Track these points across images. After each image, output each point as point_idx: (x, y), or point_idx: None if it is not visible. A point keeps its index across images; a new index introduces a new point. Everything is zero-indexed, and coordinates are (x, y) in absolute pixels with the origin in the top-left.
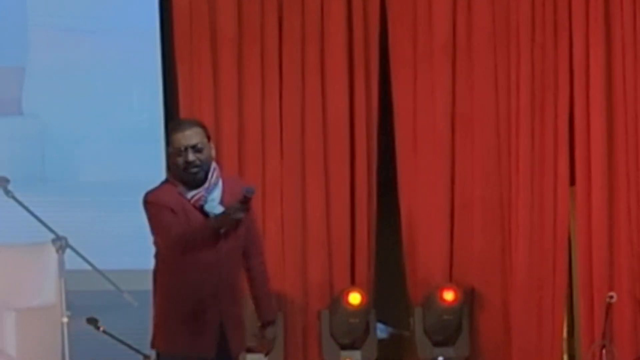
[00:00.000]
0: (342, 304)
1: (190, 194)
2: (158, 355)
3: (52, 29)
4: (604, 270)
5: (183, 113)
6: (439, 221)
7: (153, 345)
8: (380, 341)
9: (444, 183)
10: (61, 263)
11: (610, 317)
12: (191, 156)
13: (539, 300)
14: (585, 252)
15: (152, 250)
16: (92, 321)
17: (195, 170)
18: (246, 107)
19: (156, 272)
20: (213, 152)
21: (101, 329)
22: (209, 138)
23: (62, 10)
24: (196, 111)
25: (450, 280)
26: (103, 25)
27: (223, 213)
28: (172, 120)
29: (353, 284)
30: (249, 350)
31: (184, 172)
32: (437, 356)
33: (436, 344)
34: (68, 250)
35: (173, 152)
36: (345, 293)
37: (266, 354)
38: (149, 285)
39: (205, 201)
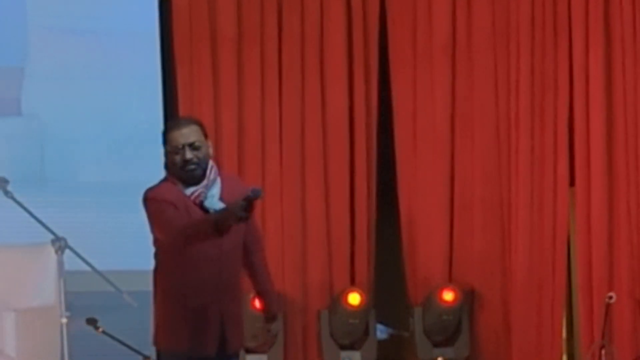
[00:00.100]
0: (341, 304)
1: (189, 191)
2: (158, 354)
3: (51, 29)
4: (603, 271)
5: (183, 113)
6: (438, 221)
7: (155, 344)
8: (380, 341)
9: (444, 183)
10: (60, 263)
11: (609, 318)
12: (189, 154)
13: (539, 300)
14: (585, 253)
15: (152, 250)
16: (92, 322)
17: (192, 167)
18: (246, 107)
19: (156, 271)
20: (210, 150)
21: (100, 329)
22: (206, 136)
23: (61, 10)
24: (196, 111)
25: (450, 280)
26: (103, 26)
27: (224, 209)
28: None
29: (353, 284)
30: (249, 351)
31: (182, 170)
32: (436, 356)
33: (436, 344)
34: (67, 251)
35: (170, 151)
36: (345, 293)
37: (268, 348)
38: (148, 285)
39: (205, 197)
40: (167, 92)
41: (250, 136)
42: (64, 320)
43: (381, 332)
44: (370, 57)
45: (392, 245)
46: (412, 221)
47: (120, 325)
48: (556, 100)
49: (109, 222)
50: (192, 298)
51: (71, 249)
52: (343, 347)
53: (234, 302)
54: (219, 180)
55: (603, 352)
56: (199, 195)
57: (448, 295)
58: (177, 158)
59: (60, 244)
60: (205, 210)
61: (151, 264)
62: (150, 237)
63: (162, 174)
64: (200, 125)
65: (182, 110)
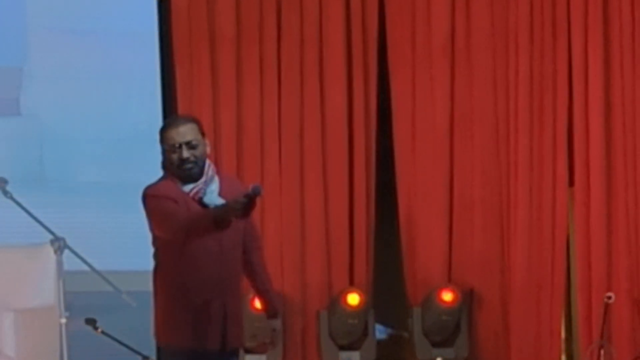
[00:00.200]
0: (340, 305)
1: (188, 188)
2: (159, 350)
3: (51, 29)
4: (602, 271)
5: (182, 113)
6: (437, 222)
7: (158, 340)
8: (379, 342)
9: (443, 183)
10: (60, 264)
11: (608, 318)
12: (185, 153)
13: (538, 300)
14: (584, 253)
15: (151, 250)
16: (91, 322)
17: (189, 166)
18: (245, 107)
19: (156, 271)
20: (208, 148)
21: (99, 329)
22: (203, 134)
23: (61, 11)
24: (195, 111)
25: (449, 280)
26: (102, 26)
27: (224, 205)
28: None
29: (352, 284)
30: (248, 351)
31: (179, 169)
32: (435, 357)
33: (435, 344)
34: (67, 251)
35: (167, 149)
36: (344, 294)
37: (274, 347)
38: (148, 285)
39: (204, 193)
40: (167, 92)
41: (249, 136)
42: (63, 320)
43: (380, 332)
44: (370, 57)
45: (391, 245)
46: (411, 221)
47: (119, 326)
48: (555, 101)
49: (108, 222)
50: (194, 295)
51: (70, 249)
52: (342, 348)
53: (235, 300)
54: (217, 178)
55: (602, 352)
56: (198, 192)
57: (447, 296)
58: (174, 157)
59: (59, 244)
60: (205, 207)
61: (150, 264)
62: (149, 238)
63: (161, 174)
64: (197, 123)
65: (182, 110)
